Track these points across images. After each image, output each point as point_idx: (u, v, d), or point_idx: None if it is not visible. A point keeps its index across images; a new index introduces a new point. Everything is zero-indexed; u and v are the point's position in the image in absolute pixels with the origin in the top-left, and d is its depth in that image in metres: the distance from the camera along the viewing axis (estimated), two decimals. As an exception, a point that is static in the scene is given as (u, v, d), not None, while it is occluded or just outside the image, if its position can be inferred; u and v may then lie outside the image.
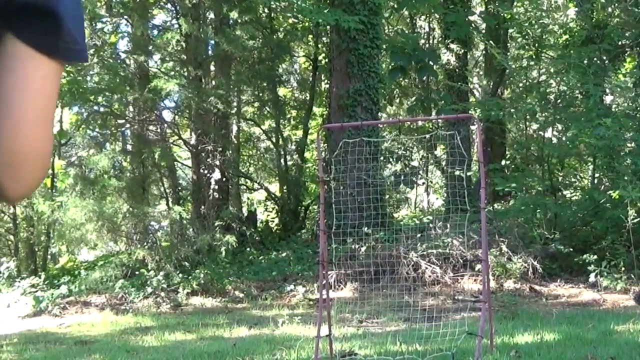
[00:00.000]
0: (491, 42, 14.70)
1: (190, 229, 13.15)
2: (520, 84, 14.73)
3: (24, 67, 0.87)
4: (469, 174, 10.33)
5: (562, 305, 8.87)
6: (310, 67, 17.19)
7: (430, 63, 14.75)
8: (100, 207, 12.74)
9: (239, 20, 13.93)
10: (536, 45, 13.45)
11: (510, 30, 16.14)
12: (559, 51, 13.35)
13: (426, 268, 10.17)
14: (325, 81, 16.76)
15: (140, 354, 6.50)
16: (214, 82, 14.02)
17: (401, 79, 17.86)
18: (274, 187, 17.54)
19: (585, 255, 9.80)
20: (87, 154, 16.20)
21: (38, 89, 0.88)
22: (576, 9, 13.83)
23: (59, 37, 0.89)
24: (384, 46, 14.07)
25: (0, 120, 0.86)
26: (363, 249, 10.91)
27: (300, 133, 17.07)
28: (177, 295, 10.24)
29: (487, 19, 16.23)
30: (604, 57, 12.60)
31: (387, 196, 14.99)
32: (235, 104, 15.68)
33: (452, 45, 15.61)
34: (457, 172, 8.16)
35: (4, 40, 0.87)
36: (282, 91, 17.50)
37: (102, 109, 14.44)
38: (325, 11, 12.39)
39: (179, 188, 15.80)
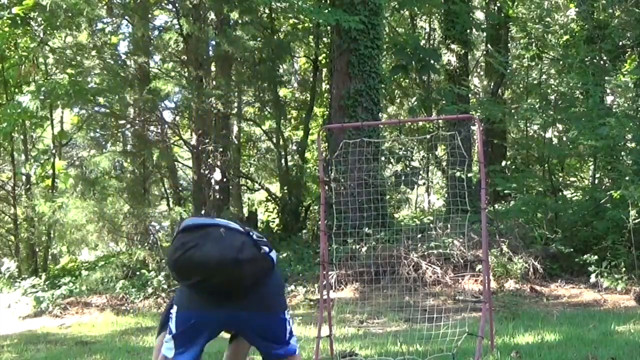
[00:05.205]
0: (489, 46, 14.72)
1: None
2: (521, 85, 14.73)
3: None
4: (469, 174, 10.31)
5: (562, 305, 8.87)
6: (311, 67, 17.19)
7: (432, 62, 14.77)
8: (101, 207, 12.75)
9: (240, 21, 13.93)
10: (538, 44, 13.45)
11: (512, 30, 16.15)
12: (560, 51, 13.35)
13: (427, 268, 10.18)
14: (326, 81, 16.76)
15: (141, 355, 6.50)
16: (214, 83, 14.02)
17: (402, 79, 17.87)
18: (275, 188, 17.54)
19: (586, 256, 9.80)
20: (88, 154, 16.24)
21: None
22: (576, 9, 13.83)
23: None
24: (385, 46, 14.08)
25: None
26: (364, 249, 10.91)
27: (300, 133, 17.07)
28: (178, 295, 10.22)
29: (490, 14, 16.28)
30: (605, 57, 12.60)
31: (388, 197, 14.98)
32: (235, 104, 15.68)
33: (453, 46, 15.62)
34: (457, 173, 8.15)
35: None
36: (282, 92, 17.49)
37: (102, 110, 14.45)
38: (326, 11, 12.39)
39: (180, 189, 15.80)
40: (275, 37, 15.57)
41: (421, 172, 17.14)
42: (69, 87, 11.93)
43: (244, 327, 3.17)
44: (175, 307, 3.18)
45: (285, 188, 15.90)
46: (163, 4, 15.79)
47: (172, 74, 15.25)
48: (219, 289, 3.03)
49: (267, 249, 3.14)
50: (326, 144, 13.46)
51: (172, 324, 3.18)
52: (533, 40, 13.74)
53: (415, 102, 17.43)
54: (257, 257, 3.06)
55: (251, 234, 3.12)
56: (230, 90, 14.70)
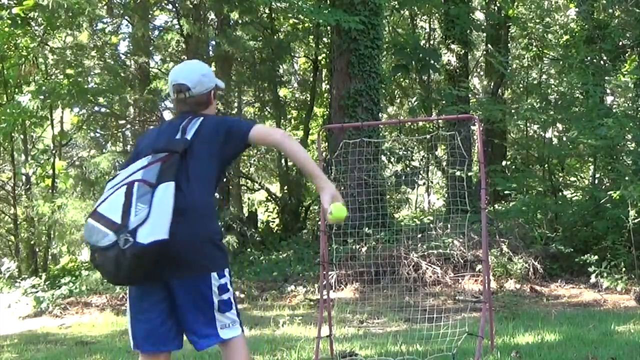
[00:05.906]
0: (489, 46, 14.72)
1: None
2: (521, 85, 14.73)
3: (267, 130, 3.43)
4: (469, 174, 10.32)
5: (562, 305, 8.87)
6: (311, 67, 17.20)
7: (432, 62, 14.77)
8: (101, 207, 12.70)
9: (240, 21, 13.94)
10: (538, 44, 13.46)
11: (512, 30, 16.13)
12: (560, 51, 13.35)
13: (427, 268, 10.17)
14: (326, 81, 16.77)
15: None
16: (214, 83, 14.00)
17: (402, 79, 17.88)
18: (275, 188, 17.54)
19: (586, 256, 9.79)
20: (88, 154, 16.23)
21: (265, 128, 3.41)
22: (576, 9, 13.84)
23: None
24: (385, 46, 14.08)
25: (276, 137, 3.21)
26: (364, 249, 10.91)
27: (301, 133, 17.08)
28: (178, 295, 10.21)
29: (490, 14, 16.27)
30: (605, 57, 12.60)
31: (388, 196, 14.99)
32: (236, 104, 15.69)
33: (453, 46, 15.62)
34: (457, 173, 8.16)
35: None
36: (282, 92, 17.50)
37: (102, 110, 14.45)
38: (326, 12, 12.39)
39: (180, 189, 15.76)
40: (275, 37, 15.57)
41: (421, 172, 17.14)
42: (69, 87, 11.94)
43: (176, 293, 3.04)
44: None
45: (285, 188, 15.90)
46: (163, 4, 15.80)
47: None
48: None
49: (143, 237, 2.77)
50: (326, 144, 13.46)
51: (128, 304, 3.17)
52: (533, 40, 13.75)
53: (415, 102, 17.44)
54: (135, 262, 2.78)
55: (121, 237, 2.76)
56: (230, 90, 14.70)
